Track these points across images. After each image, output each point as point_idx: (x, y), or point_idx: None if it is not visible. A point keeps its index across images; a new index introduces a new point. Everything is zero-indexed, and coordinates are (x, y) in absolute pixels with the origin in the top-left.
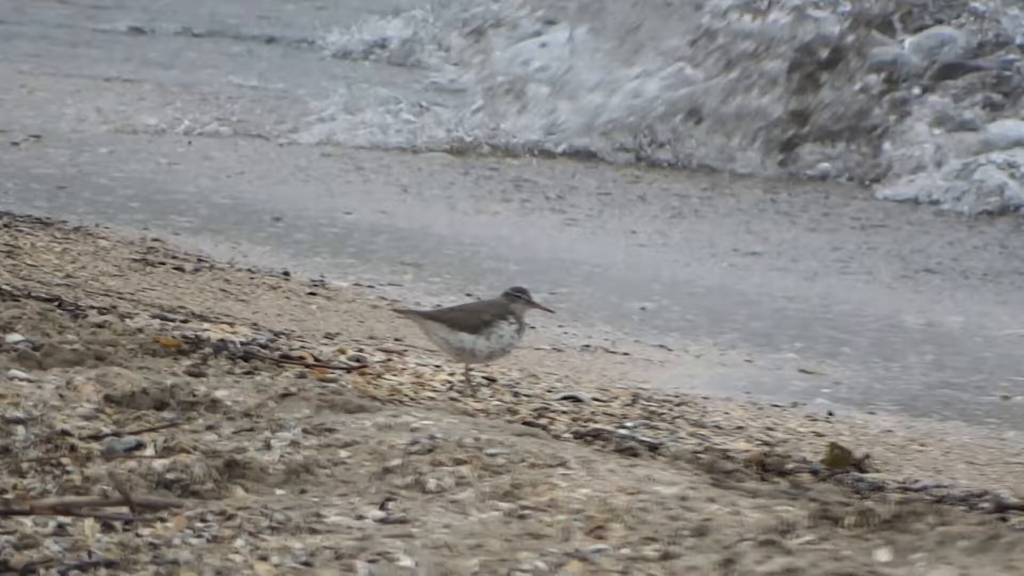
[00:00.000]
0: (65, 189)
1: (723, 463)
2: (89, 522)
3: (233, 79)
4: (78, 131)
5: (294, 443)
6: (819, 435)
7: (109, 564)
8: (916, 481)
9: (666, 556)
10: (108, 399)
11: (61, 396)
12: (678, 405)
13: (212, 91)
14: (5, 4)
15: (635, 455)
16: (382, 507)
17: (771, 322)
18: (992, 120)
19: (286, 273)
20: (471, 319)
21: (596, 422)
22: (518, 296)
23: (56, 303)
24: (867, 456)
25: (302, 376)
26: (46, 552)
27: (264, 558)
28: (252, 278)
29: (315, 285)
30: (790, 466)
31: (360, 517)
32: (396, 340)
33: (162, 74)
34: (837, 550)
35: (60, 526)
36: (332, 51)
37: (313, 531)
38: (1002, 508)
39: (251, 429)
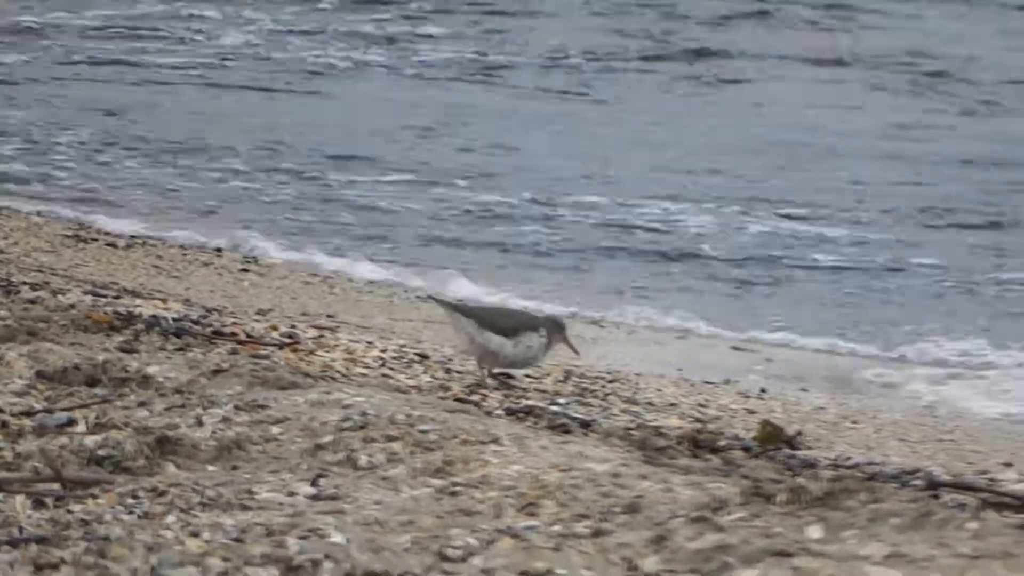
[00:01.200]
0: None
1: (655, 440)
2: (20, 498)
3: None
4: None
5: (226, 419)
6: (751, 412)
7: (40, 540)
8: (848, 458)
9: (598, 533)
10: (40, 375)
11: None
12: (611, 382)
13: None
14: None
15: (567, 432)
16: (314, 484)
17: None
18: None
19: (219, 250)
20: (504, 322)
21: (528, 399)
22: (556, 324)
23: None
24: (799, 433)
25: (234, 352)
26: None
27: (195, 534)
28: (185, 254)
29: (247, 261)
30: (722, 443)
31: (292, 494)
32: (328, 317)
33: None
34: (769, 527)
35: None
36: None
37: (244, 507)
38: (934, 485)
39: (183, 405)
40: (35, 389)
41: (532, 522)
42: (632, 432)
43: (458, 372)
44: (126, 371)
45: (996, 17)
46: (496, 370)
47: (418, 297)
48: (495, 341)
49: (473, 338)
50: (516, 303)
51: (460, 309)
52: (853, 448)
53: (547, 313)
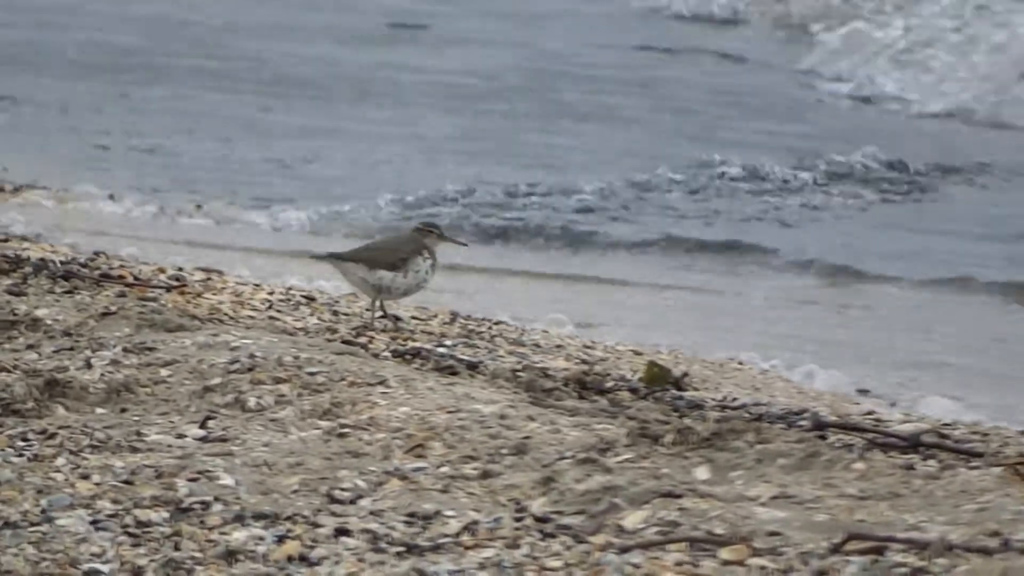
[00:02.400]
0: None
1: (542, 382)
2: None
3: None
4: None
5: (115, 362)
6: (637, 353)
7: None
8: (735, 399)
9: (486, 474)
10: None
11: None
12: (496, 324)
13: None
14: None
15: (454, 374)
16: (202, 426)
17: None
18: None
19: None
20: (389, 257)
21: (415, 341)
22: (430, 231)
23: None
24: (686, 374)
25: (122, 295)
26: None
27: (85, 476)
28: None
29: None
30: (609, 384)
31: (181, 436)
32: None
33: None
34: (656, 468)
35: None
36: None
37: (134, 449)
38: (821, 426)
39: (72, 348)
40: None
41: (420, 464)
42: (519, 374)
43: (345, 314)
44: (14, 314)
45: None
46: (389, 308)
47: (311, 257)
48: (387, 277)
49: (367, 280)
50: None
51: (345, 257)
52: (740, 389)
53: (416, 224)
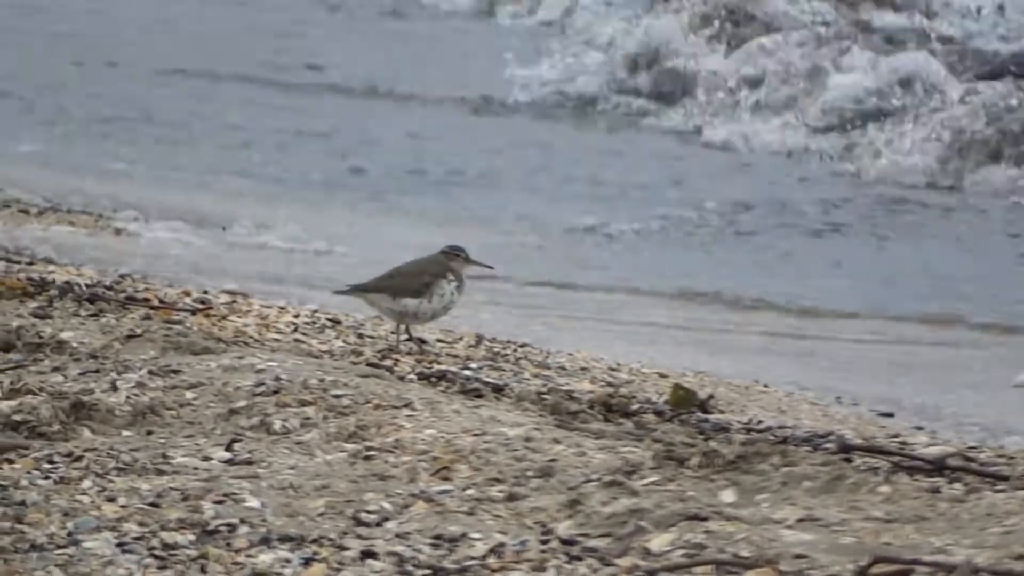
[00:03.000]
0: None
1: (568, 404)
2: None
3: None
4: None
5: (140, 384)
6: (663, 376)
7: None
8: (760, 422)
9: (511, 497)
10: None
11: None
12: (522, 346)
13: None
14: None
15: (480, 396)
16: (228, 448)
17: None
18: None
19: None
20: (413, 283)
21: (441, 363)
22: (456, 254)
23: None
24: (711, 397)
25: (147, 318)
26: None
27: (111, 499)
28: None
29: None
30: (635, 407)
31: (206, 458)
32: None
33: None
34: (682, 491)
35: None
36: None
37: (160, 472)
38: (846, 449)
39: (97, 371)
40: None
41: (446, 486)
42: (544, 396)
43: (370, 337)
44: (40, 337)
45: None
46: (415, 331)
47: (334, 293)
48: (412, 304)
49: (392, 309)
50: None
51: (368, 288)
52: (765, 412)
53: (442, 248)
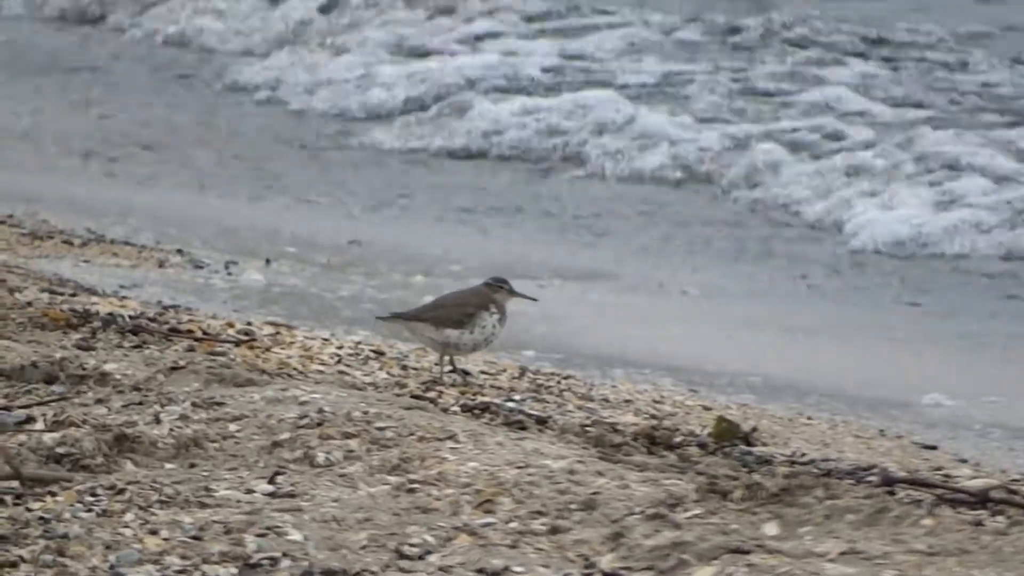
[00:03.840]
0: None
1: (611, 436)
2: None
3: None
4: None
5: (183, 417)
6: (707, 408)
7: None
8: (804, 454)
9: (555, 530)
10: None
11: None
12: (565, 378)
13: None
14: None
15: (523, 428)
16: (271, 481)
17: None
18: None
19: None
20: (455, 313)
21: (484, 395)
22: (500, 286)
23: None
24: (754, 429)
25: (191, 350)
26: None
27: (154, 532)
28: (140, 252)
29: None
30: (678, 439)
31: (250, 491)
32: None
33: None
34: (725, 524)
35: None
36: None
37: (203, 505)
38: (889, 482)
39: (141, 403)
40: None
41: (489, 519)
42: (588, 429)
43: (414, 369)
44: (84, 368)
45: None
46: (459, 362)
47: (377, 319)
48: (454, 335)
49: (435, 339)
50: None
51: (410, 316)
52: (809, 444)
53: (487, 280)
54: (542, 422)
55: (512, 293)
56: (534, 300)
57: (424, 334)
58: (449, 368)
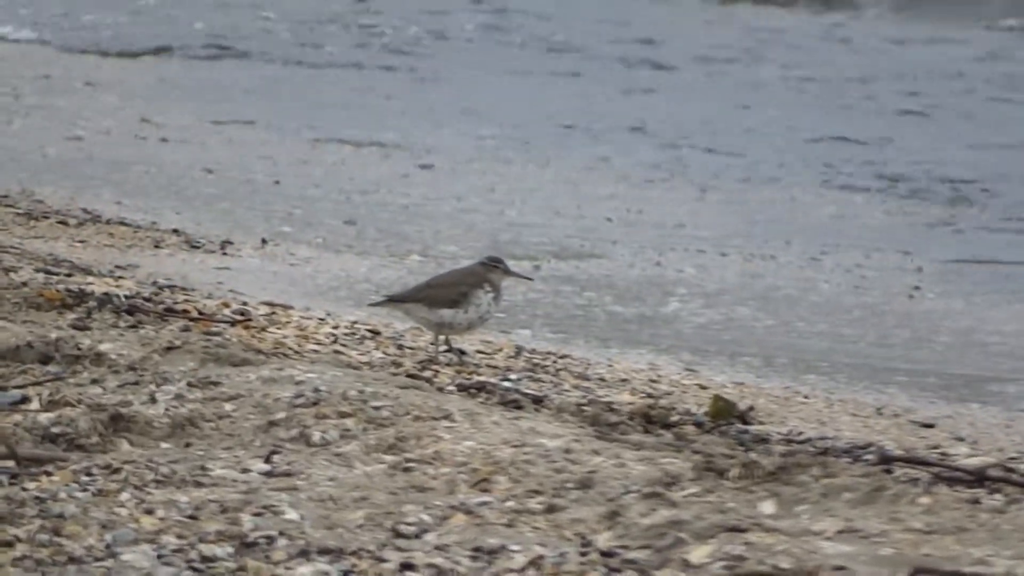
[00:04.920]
0: None
1: (607, 415)
2: None
3: None
4: None
5: (179, 396)
6: (703, 387)
7: None
8: (800, 433)
9: (551, 508)
10: None
11: None
12: (561, 358)
13: None
14: None
15: (519, 407)
16: (267, 460)
17: None
18: None
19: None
20: (449, 293)
21: (480, 375)
22: (495, 265)
23: None
24: (751, 408)
25: (186, 329)
26: None
27: (150, 511)
28: (136, 232)
29: None
30: (674, 418)
31: (245, 470)
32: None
33: None
34: (722, 502)
35: None
36: None
37: (199, 484)
38: (886, 460)
39: (136, 383)
40: None
41: (485, 498)
42: (584, 408)
43: (410, 348)
44: (79, 348)
45: None
46: (455, 342)
47: (369, 305)
48: (448, 315)
49: (429, 319)
50: None
51: (404, 298)
52: (805, 423)
53: (481, 259)
54: (538, 401)
55: (508, 273)
56: (530, 279)
57: (418, 314)
58: (445, 348)
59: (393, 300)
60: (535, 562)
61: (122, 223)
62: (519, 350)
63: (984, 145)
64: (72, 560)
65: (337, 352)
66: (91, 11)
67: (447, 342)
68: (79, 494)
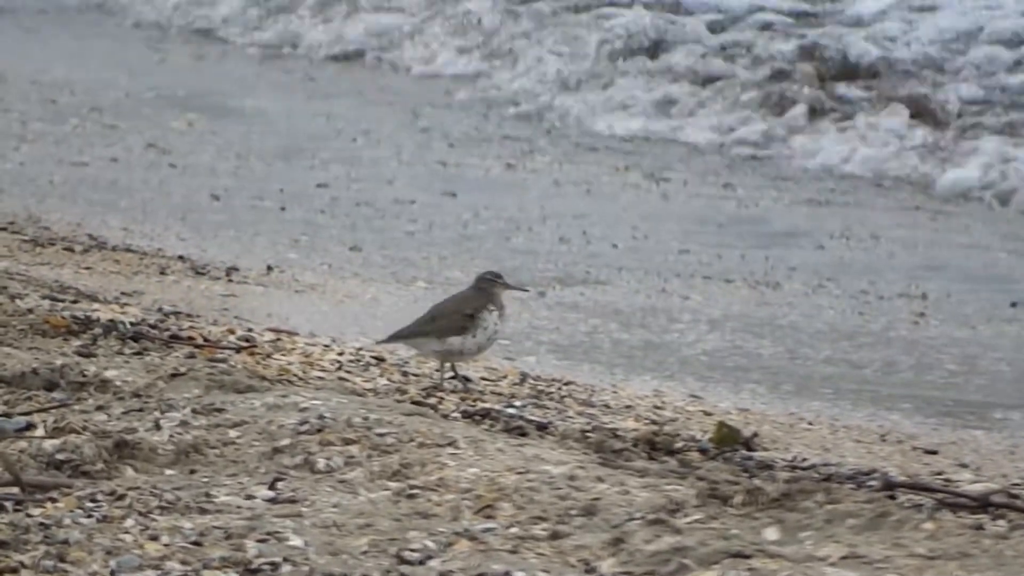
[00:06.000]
0: None
1: (612, 442)
2: None
3: None
4: None
5: (184, 423)
6: (707, 414)
7: (0, 544)
8: (804, 459)
9: (555, 535)
10: None
11: None
12: (566, 384)
13: None
14: None
15: (524, 434)
16: (272, 487)
17: None
18: None
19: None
20: (456, 321)
21: (485, 401)
22: (493, 280)
23: None
24: (755, 434)
25: (191, 356)
26: None
27: (154, 537)
28: (142, 259)
29: None
30: (679, 445)
31: (250, 497)
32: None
33: None
34: (726, 529)
35: None
36: None
37: (203, 511)
38: (890, 486)
39: (141, 409)
40: None
41: (489, 524)
42: (588, 434)
43: (415, 375)
44: (84, 375)
45: None
46: (460, 368)
47: (377, 343)
48: (458, 342)
49: (439, 351)
50: None
51: (412, 333)
52: (809, 449)
53: (479, 275)
54: (543, 428)
55: (506, 286)
56: (527, 291)
57: (427, 348)
58: (450, 375)
59: (400, 336)
60: None
61: (128, 250)
62: (524, 377)
63: None
64: None
65: (342, 379)
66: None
67: (452, 368)
68: (84, 520)
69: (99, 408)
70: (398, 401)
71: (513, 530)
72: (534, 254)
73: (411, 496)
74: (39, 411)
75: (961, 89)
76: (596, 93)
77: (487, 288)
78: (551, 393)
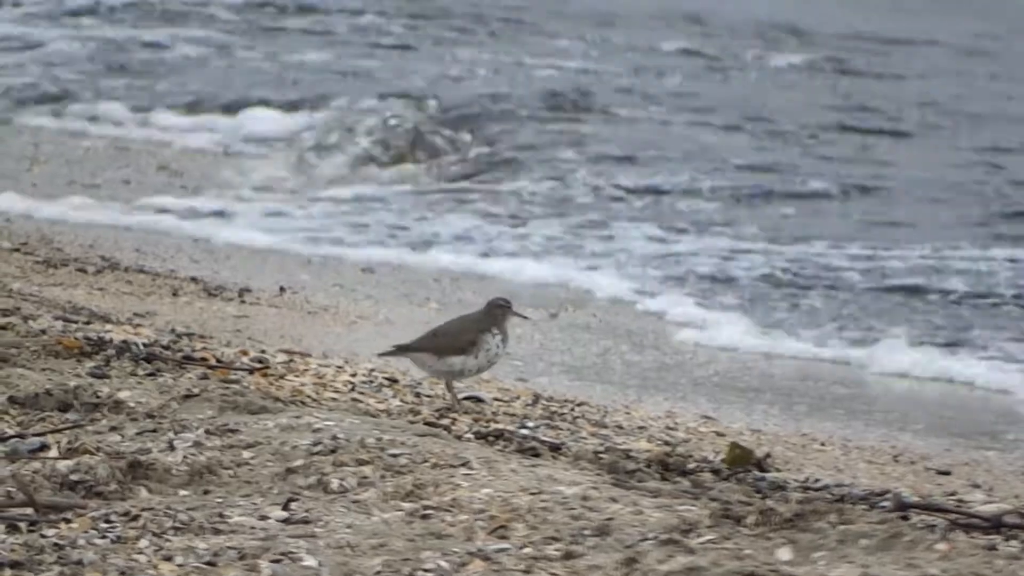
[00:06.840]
0: None
1: (625, 463)
2: None
3: None
4: None
5: (197, 444)
6: (720, 434)
7: (14, 565)
8: (817, 480)
9: (568, 555)
10: (12, 400)
11: None
12: (579, 405)
13: None
14: None
15: (537, 455)
16: (285, 507)
17: None
18: None
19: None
20: (458, 341)
21: (498, 422)
22: (500, 306)
23: None
24: (768, 455)
25: (205, 377)
26: None
27: (168, 558)
28: (154, 280)
29: None
30: (692, 465)
31: (263, 517)
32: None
33: None
34: (739, 549)
35: None
36: None
37: (217, 531)
38: (903, 507)
39: (154, 430)
40: (7, 414)
41: (503, 544)
42: (601, 455)
43: (428, 396)
44: (98, 396)
45: None
46: (471, 389)
47: (379, 355)
48: (458, 362)
49: (438, 368)
50: None
51: (413, 348)
52: (822, 470)
53: (490, 300)
54: (555, 449)
55: (512, 314)
56: (527, 319)
57: (426, 363)
58: (463, 396)
59: (402, 349)
60: None
61: (140, 271)
62: (537, 398)
63: None
64: None
65: (355, 400)
66: None
67: (449, 387)
68: (98, 541)
69: (113, 429)
70: (411, 422)
71: (526, 550)
72: None
73: (424, 516)
74: (53, 432)
75: None
76: None
77: (497, 313)
78: (564, 414)
